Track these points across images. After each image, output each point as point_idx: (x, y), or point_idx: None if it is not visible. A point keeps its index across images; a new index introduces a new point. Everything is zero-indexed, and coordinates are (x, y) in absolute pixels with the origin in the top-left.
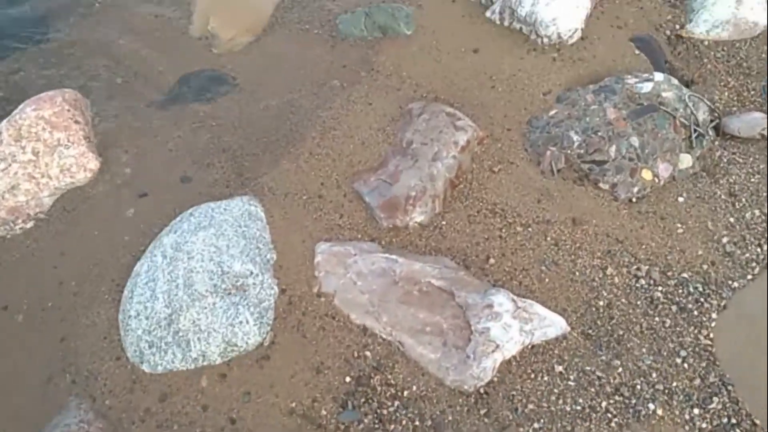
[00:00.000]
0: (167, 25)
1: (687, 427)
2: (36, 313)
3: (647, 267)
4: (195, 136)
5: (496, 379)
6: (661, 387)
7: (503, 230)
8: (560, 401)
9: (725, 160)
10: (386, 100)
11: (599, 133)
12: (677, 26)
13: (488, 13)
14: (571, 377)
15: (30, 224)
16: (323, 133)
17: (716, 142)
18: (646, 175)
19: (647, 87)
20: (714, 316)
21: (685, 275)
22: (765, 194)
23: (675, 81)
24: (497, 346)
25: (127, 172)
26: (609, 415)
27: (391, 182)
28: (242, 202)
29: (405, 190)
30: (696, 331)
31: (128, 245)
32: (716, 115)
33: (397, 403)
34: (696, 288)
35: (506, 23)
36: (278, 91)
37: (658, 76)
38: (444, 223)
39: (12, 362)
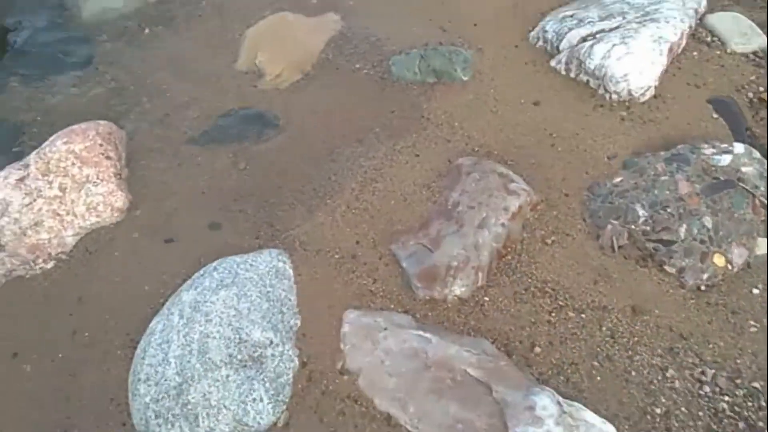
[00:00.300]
0: (214, 57)
1: None
2: (45, 364)
3: (713, 371)
4: (229, 178)
5: None
6: None
7: (553, 314)
8: None
9: None
10: (434, 153)
11: (668, 209)
12: (761, 88)
13: (553, 62)
14: None
15: (50, 264)
16: (364, 185)
17: None
18: (719, 260)
19: (725, 160)
20: None
21: (756, 385)
22: None
23: (757, 154)
24: None
25: (154, 213)
26: None
27: (431, 248)
28: (270, 257)
29: (446, 259)
30: None
31: (148, 296)
32: None
33: None
34: None
35: (572, 74)
36: (321, 135)
37: (738, 148)
38: (487, 299)
39: (14, 418)
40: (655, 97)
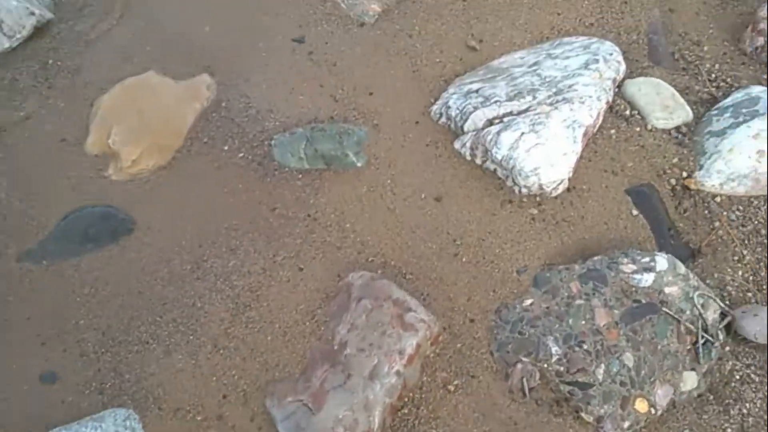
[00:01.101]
0: (58, 136)
1: None
2: None
3: None
4: (67, 308)
5: None
6: None
7: None
8: None
9: (737, 377)
10: (321, 265)
11: (584, 346)
12: (684, 173)
13: (457, 144)
14: None
15: None
16: (235, 313)
17: (727, 347)
18: (641, 406)
19: (647, 280)
20: None
21: None
22: None
23: (681, 268)
24: None
25: None
26: None
27: (313, 408)
28: (116, 422)
29: (330, 423)
30: None
31: None
32: (728, 311)
33: None
34: None
35: (478, 161)
36: (185, 242)
37: (661, 263)
38: None
39: None
40: (568, 190)
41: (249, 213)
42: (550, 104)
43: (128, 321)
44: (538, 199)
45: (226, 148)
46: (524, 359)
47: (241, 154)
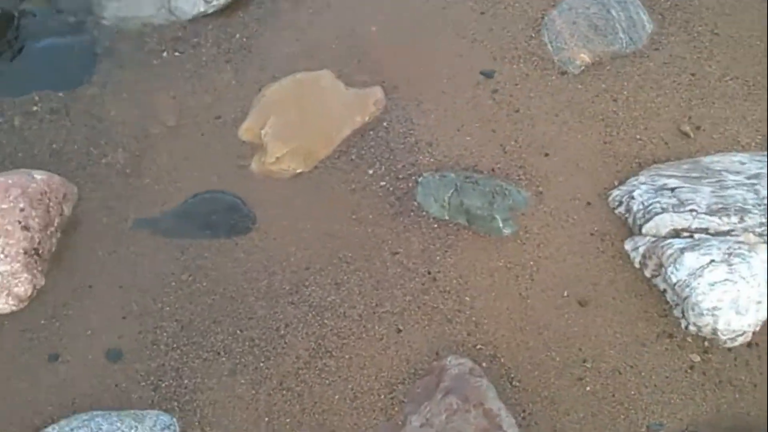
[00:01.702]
0: (217, 114)
1: None
2: None
3: None
4: (160, 289)
5: None
6: None
7: None
8: None
9: None
10: (423, 334)
11: None
12: None
13: (628, 245)
14: None
15: None
16: (314, 355)
17: None
18: None
19: None
20: None
21: None
22: None
23: None
24: None
25: (57, 311)
26: None
27: None
28: (153, 425)
29: None
30: None
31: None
32: None
33: None
34: None
35: (647, 273)
36: (293, 260)
37: None
38: None
39: None
40: (749, 345)
41: (368, 249)
42: (760, 235)
43: (210, 323)
44: (706, 344)
45: (371, 171)
46: None
47: (383, 183)
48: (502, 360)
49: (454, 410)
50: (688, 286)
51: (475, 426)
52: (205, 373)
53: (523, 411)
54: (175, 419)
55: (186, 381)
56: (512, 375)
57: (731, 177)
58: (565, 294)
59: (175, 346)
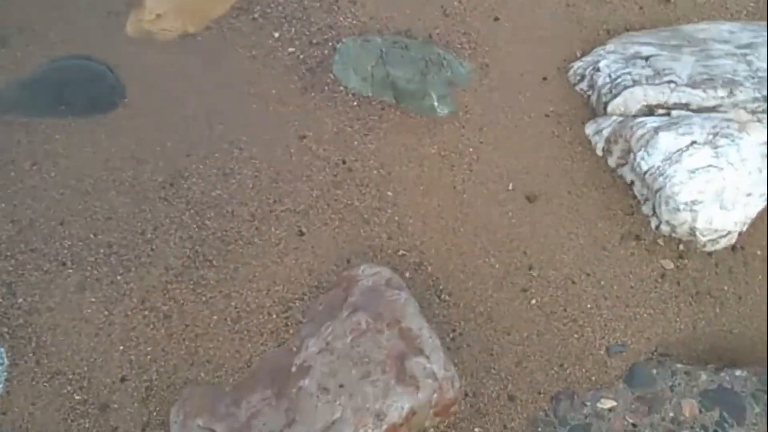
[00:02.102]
0: None
1: None
2: None
3: None
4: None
5: None
6: None
7: None
8: None
9: None
10: (332, 237)
11: None
12: None
13: (589, 129)
14: None
15: None
16: (188, 265)
17: None
18: None
19: None
20: None
21: None
22: None
23: None
24: None
25: None
26: None
27: None
28: None
29: None
30: None
31: None
32: None
33: None
34: None
35: (612, 163)
36: (170, 145)
37: None
38: None
39: None
40: (733, 249)
41: (268, 132)
42: (752, 112)
43: (56, 225)
44: (681, 248)
45: (277, 34)
46: None
47: (292, 49)
48: (429, 269)
49: (362, 330)
50: (662, 174)
51: (388, 349)
52: (46, 290)
53: (453, 330)
54: (2, 348)
55: (20, 300)
56: (441, 287)
57: (718, 46)
58: (510, 187)
59: (8, 254)
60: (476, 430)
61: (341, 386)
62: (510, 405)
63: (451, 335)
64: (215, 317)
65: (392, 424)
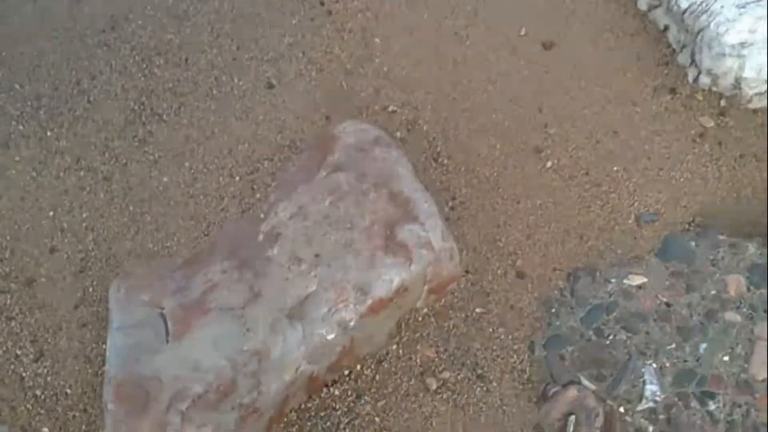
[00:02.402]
0: None
1: None
2: None
3: None
4: None
5: None
6: None
7: None
8: None
9: None
10: (307, 89)
11: (711, 404)
12: None
13: None
14: None
15: None
16: (132, 120)
17: None
18: None
19: None
20: None
21: None
22: None
23: None
24: None
25: None
26: None
27: (170, 331)
28: None
29: (179, 370)
30: None
31: None
32: None
33: None
34: None
35: (641, 5)
36: None
37: None
38: None
39: None
40: None
41: None
42: None
43: None
44: (722, 103)
45: None
46: (587, 382)
47: None
48: (425, 128)
49: (343, 192)
50: (705, 11)
51: (375, 214)
52: None
53: (452, 198)
54: None
55: None
56: (438, 148)
57: None
58: (523, 32)
59: None
60: (477, 310)
61: (317, 256)
62: (518, 283)
63: (450, 204)
64: (165, 179)
65: (378, 299)
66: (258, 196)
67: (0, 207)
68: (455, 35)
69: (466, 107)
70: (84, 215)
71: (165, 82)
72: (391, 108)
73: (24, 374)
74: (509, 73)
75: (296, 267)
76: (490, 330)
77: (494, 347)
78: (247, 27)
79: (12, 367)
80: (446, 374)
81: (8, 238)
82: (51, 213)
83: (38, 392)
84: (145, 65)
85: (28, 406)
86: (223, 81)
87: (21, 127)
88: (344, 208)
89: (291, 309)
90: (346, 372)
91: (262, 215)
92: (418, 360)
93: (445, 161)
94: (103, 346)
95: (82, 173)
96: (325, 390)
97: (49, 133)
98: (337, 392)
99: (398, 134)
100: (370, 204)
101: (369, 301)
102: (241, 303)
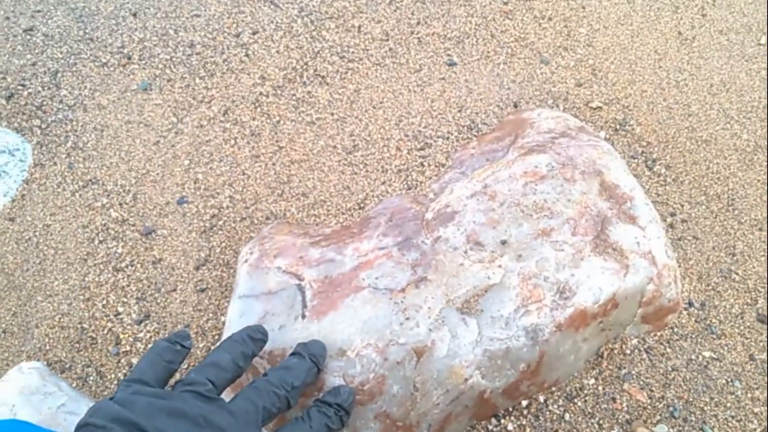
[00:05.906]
0: None
1: None
2: None
3: None
4: None
5: None
6: None
7: None
8: None
9: None
10: (495, 78)
11: None
12: None
13: None
14: None
15: None
16: (291, 79)
17: None
18: None
19: None
20: None
21: None
22: None
23: None
24: None
25: None
26: None
27: (308, 307)
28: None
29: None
30: None
31: None
32: None
33: None
34: None
35: None
36: None
37: None
38: None
39: None
40: None
41: None
42: None
43: (128, 15)
44: None
45: None
46: None
47: None
48: (638, 130)
49: (541, 176)
50: None
51: (581, 203)
52: (100, 85)
53: (672, 215)
54: (28, 144)
55: (64, 92)
56: (654, 155)
57: None
58: (763, 41)
59: (60, 41)
60: (706, 354)
61: (503, 242)
62: (760, 329)
63: (669, 220)
64: (321, 142)
65: (581, 308)
66: (428, 174)
67: (129, 149)
68: (678, 35)
69: (692, 112)
70: (223, 169)
71: (333, 47)
72: (595, 104)
73: (122, 336)
74: (746, 81)
75: (475, 253)
76: (723, 382)
77: (728, 404)
78: (430, 3)
79: (110, 325)
80: (662, 428)
81: (133, 181)
82: (187, 162)
83: (134, 360)
84: (313, 27)
85: (119, 375)
86: (398, 52)
87: (168, 72)
88: (543, 194)
89: (465, 302)
90: (524, 402)
91: (432, 194)
92: (625, 404)
93: (663, 171)
94: (222, 319)
95: (227, 125)
96: (494, 421)
97: (197, 80)
98: (511, 427)
99: (602, 134)
100: (578, 194)
101: (570, 309)
102: (401, 285)
